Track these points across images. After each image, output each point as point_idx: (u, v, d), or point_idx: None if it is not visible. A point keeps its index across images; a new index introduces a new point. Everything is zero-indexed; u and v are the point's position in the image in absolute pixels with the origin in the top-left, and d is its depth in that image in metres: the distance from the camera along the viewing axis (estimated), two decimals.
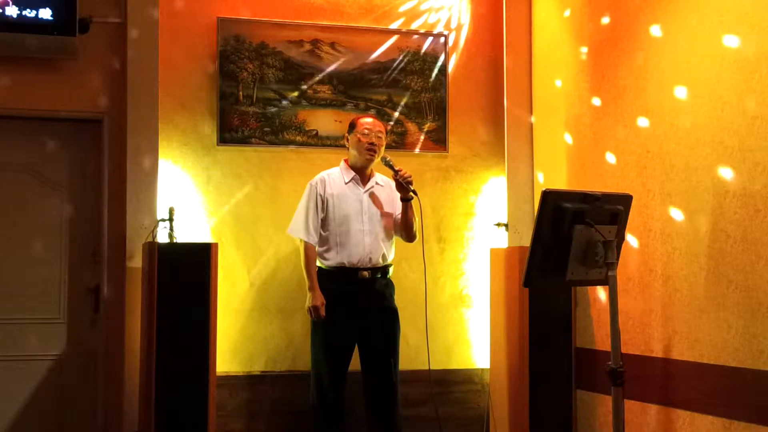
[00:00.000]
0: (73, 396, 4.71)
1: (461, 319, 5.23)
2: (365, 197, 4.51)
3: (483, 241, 5.25)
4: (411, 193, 4.41)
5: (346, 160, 4.58)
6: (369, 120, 4.53)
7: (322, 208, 4.46)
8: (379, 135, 4.50)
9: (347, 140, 4.54)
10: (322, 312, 4.35)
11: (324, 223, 4.47)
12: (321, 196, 4.47)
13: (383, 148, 4.54)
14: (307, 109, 5.04)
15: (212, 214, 4.88)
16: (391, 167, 4.45)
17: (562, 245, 3.14)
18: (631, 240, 4.24)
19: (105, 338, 4.68)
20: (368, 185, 4.54)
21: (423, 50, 5.23)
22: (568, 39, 4.92)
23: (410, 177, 4.42)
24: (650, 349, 4.17)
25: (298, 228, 4.47)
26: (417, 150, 5.20)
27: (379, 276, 4.48)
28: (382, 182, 4.60)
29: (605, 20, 4.59)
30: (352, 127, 4.52)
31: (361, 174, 4.54)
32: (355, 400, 4.56)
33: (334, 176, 4.53)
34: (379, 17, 5.19)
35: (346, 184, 4.50)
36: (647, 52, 4.24)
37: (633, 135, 4.33)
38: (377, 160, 4.53)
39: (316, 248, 4.46)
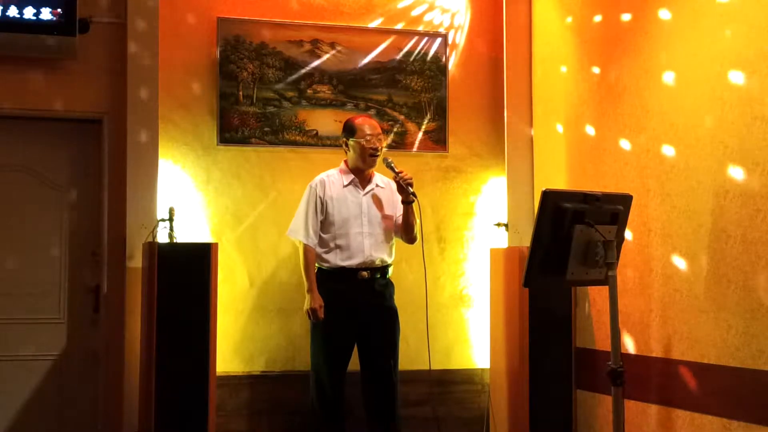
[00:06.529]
0: (73, 396, 4.71)
1: (461, 319, 5.23)
2: (365, 200, 4.51)
3: (483, 241, 5.25)
4: (411, 196, 4.40)
5: (345, 162, 4.57)
6: (368, 124, 4.51)
7: (322, 211, 4.46)
8: (380, 138, 4.51)
9: (345, 144, 4.53)
10: (321, 314, 4.35)
11: (323, 226, 4.46)
12: (320, 198, 4.46)
13: (383, 149, 4.54)
14: (307, 109, 5.04)
15: (212, 214, 4.88)
16: (392, 169, 4.45)
17: (562, 245, 3.14)
18: (631, 240, 4.24)
19: (105, 338, 4.68)
20: (368, 188, 4.54)
21: (423, 50, 5.23)
22: (568, 39, 4.92)
23: (410, 179, 4.41)
24: (650, 349, 4.17)
25: (298, 230, 4.47)
26: (417, 150, 5.20)
27: (379, 276, 4.48)
28: (383, 183, 4.60)
29: (605, 20, 4.59)
30: (352, 131, 4.49)
31: (361, 176, 4.53)
32: (355, 400, 4.56)
33: (334, 178, 4.52)
34: (379, 17, 5.19)
35: (345, 186, 4.50)
36: (648, 52, 4.24)
37: (633, 135, 4.33)
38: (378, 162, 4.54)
39: (316, 250, 4.46)
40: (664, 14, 4.14)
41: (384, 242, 4.50)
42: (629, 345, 4.25)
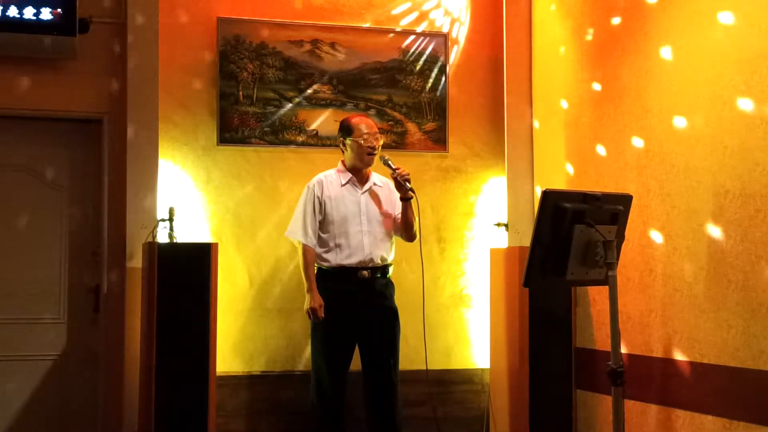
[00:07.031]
0: (73, 396, 4.71)
1: (461, 319, 5.23)
2: (363, 198, 4.51)
3: (483, 241, 5.25)
4: (410, 192, 4.41)
5: (343, 162, 4.58)
6: (365, 123, 4.52)
7: (320, 211, 4.46)
8: (377, 136, 4.51)
9: (343, 143, 4.53)
10: (321, 314, 4.35)
11: (323, 226, 4.46)
12: (318, 198, 4.46)
13: (379, 148, 4.54)
14: (307, 109, 5.04)
15: (212, 214, 4.88)
16: (389, 166, 4.46)
17: (562, 245, 3.14)
18: (631, 240, 4.24)
19: (105, 338, 4.68)
20: (366, 186, 4.54)
21: (423, 50, 5.23)
22: (568, 39, 4.92)
23: (408, 175, 4.42)
24: (650, 349, 4.17)
25: (296, 230, 4.47)
26: (417, 150, 5.20)
27: (379, 276, 4.48)
28: (381, 183, 4.61)
29: (606, 20, 4.59)
30: (348, 130, 4.50)
31: (359, 175, 4.54)
32: (355, 400, 4.56)
33: (331, 178, 4.53)
34: (379, 17, 5.19)
35: (343, 186, 4.50)
36: (648, 52, 4.23)
37: (633, 135, 4.33)
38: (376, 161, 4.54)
39: (316, 249, 4.46)
40: (663, 15, 4.14)
41: (383, 240, 4.50)
42: (629, 345, 4.25)
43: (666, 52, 4.12)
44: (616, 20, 4.50)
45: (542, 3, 5.17)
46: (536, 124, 5.21)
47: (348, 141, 4.49)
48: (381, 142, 4.55)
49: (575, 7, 4.87)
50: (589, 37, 4.73)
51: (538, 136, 5.20)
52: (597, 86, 4.64)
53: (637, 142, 4.30)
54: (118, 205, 4.65)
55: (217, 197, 4.89)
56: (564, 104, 4.94)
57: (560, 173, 4.95)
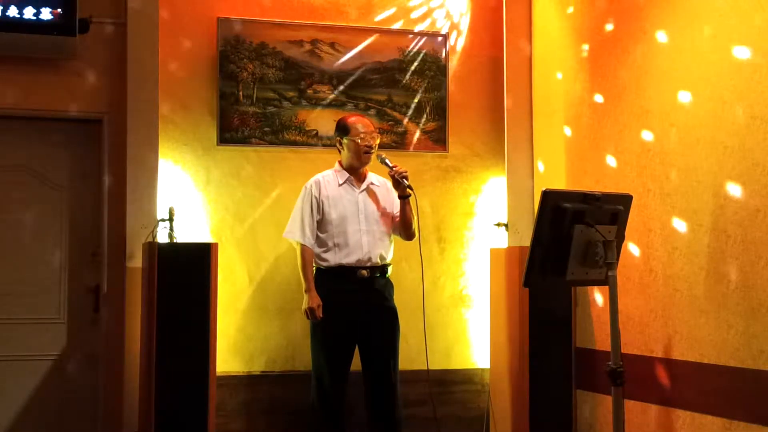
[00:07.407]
0: (73, 396, 4.71)
1: (461, 319, 5.23)
2: (361, 197, 4.51)
3: (483, 241, 5.25)
4: (408, 189, 4.41)
5: (339, 162, 4.58)
6: (361, 122, 4.52)
7: (318, 211, 4.46)
8: (373, 135, 4.52)
9: (340, 143, 4.53)
10: (319, 314, 4.35)
11: (321, 225, 4.46)
12: (316, 198, 4.46)
13: (376, 147, 4.54)
14: (307, 109, 5.04)
15: (212, 214, 4.88)
16: (386, 164, 4.46)
17: (562, 245, 3.14)
18: (631, 240, 4.24)
19: (105, 338, 4.68)
20: (363, 185, 4.54)
21: (423, 50, 5.23)
22: (568, 39, 4.92)
23: (405, 172, 4.41)
24: (650, 349, 4.17)
25: (294, 231, 4.47)
26: (417, 150, 5.20)
27: (378, 275, 4.48)
28: (378, 182, 4.61)
29: (605, 20, 4.59)
30: (345, 129, 4.50)
31: (356, 175, 4.54)
32: (355, 400, 4.56)
33: (329, 178, 4.53)
34: (379, 17, 5.19)
35: (340, 185, 4.50)
36: (647, 52, 4.24)
37: (633, 135, 4.33)
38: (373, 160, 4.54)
39: (315, 249, 4.46)
40: (663, 15, 4.14)
41: (382, 239, 4.50)
42: (629, 345, 4.25)
43: (666, 52, 4.12)
44: (615, 20, 4.50)
45: (542, 3, 5.17)
46: (536, 123, 5.21)
47: (345, 140, 4.50)
48: (378, 141, 4.55)
49: (575, 7, 4.86)
50: (588, 37, 4.73)
51: (537, 135, 5.20)
52: (597, 86, 4.64)
53: (637, 142, 4.30)
54: (118, 205, 4.65)
55: (217, 197, 4.89)
56: (563, 104, 4.94)
57: (560, 173, 4.95)
